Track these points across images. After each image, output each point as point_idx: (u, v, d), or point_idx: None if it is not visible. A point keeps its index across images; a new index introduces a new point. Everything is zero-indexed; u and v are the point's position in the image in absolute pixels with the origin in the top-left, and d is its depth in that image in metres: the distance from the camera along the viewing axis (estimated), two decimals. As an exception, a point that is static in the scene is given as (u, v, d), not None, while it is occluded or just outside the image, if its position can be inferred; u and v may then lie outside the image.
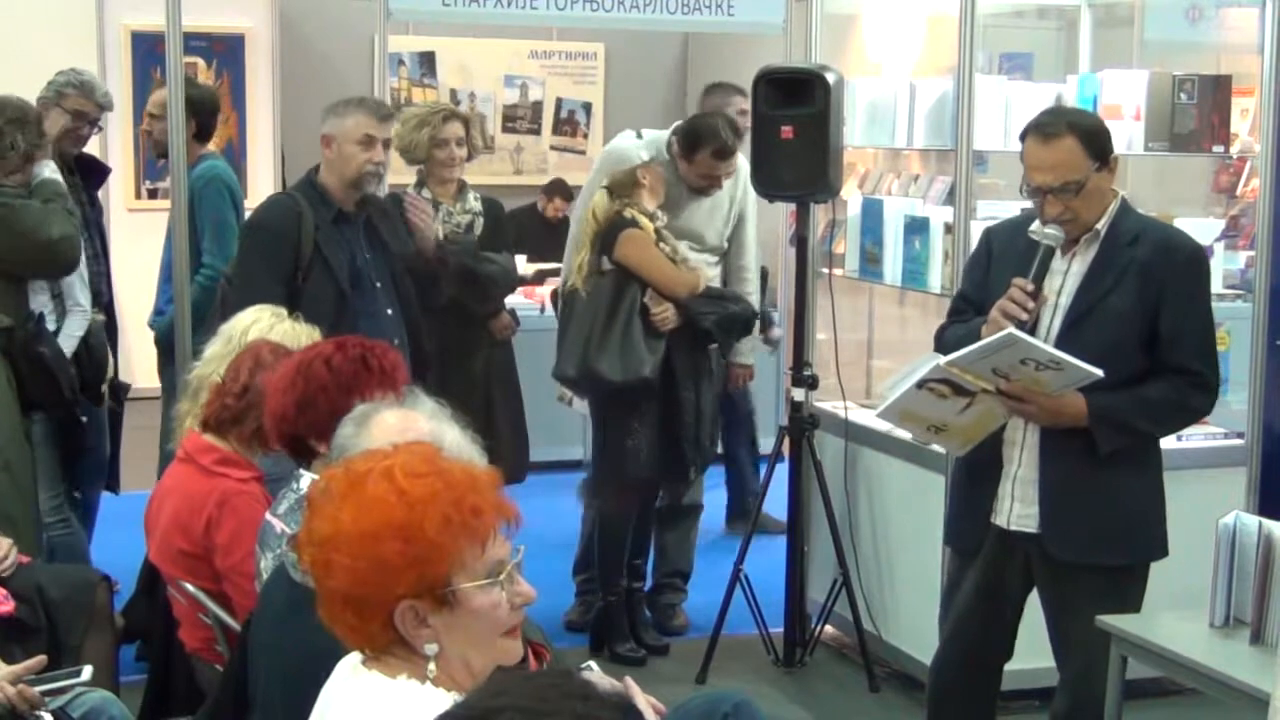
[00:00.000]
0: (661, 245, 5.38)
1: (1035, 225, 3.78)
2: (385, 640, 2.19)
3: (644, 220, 5.35)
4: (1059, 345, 3.68)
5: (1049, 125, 3.70)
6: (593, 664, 2.97)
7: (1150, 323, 3.72)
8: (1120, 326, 3.71)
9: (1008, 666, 4.18)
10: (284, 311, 4.16)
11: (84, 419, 5.13)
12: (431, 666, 2.18)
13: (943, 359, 3.70)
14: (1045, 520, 3.79)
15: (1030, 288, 3.67)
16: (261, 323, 4.07)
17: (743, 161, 5.71)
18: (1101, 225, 3.75)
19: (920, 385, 3.73)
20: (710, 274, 5.70)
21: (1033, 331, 3.69)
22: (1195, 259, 3.83)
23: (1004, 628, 3.99)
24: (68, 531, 5.13)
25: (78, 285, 5.11)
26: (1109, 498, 3.80)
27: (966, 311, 3.95)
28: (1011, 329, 3.61)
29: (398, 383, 3.23)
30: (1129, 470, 3.83)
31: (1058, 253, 3.77)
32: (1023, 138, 3.77)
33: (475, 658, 2.21)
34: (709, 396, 5.51)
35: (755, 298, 5.92)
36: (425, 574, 2.14)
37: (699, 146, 5.51)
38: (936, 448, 4.03)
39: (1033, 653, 4.34)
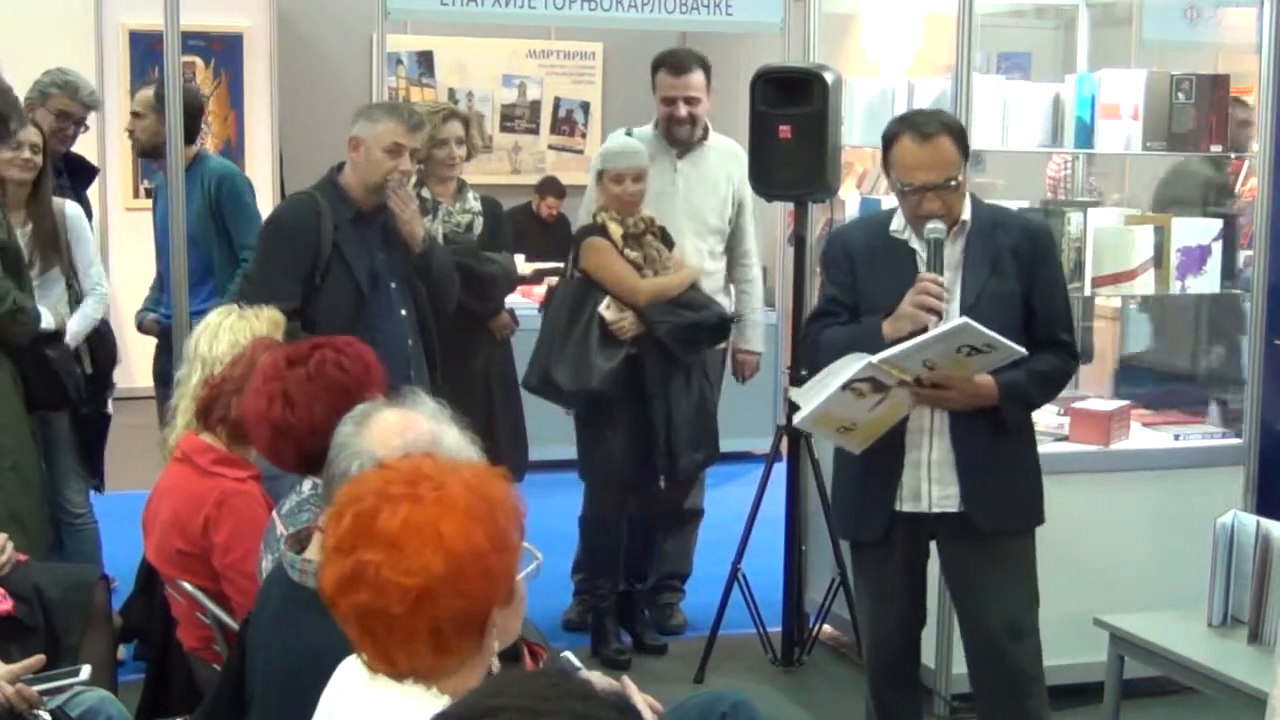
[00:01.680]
0: (628, 252, 5.34)
1: (896, 224, 4.00)
2: (468, 655, 2.14)
3: (612, 226, 5.32)
4: None
5: (925, 125, 3.90)
6: (569, 654, 2.96)
7: (1026, 302, 3.97)
8: (1007, 308, 3.93)
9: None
10: (232, 308, 4.17)
11: (109, 413, 5.17)
12: (495, 662, 2.18)
13: (874, 357, 3.79)
14: (967, 497, 3.96)
15: (942, 281, 3.85)
16: (209, 329, 4.08)
17: (739, 149, 5.75)
18: (966, 216, 3.97)
19: (846, 386, 3.82)
20: (711, 266, 5.72)
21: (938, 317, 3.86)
22: (1051, 239, 4.18)
23: (923, 601, 4.20)
24: (87, 527, 5.16)
25: (97, 265, 5.14)
26: (1015, 468, 4.04)
27: (839, 314, 4.07)
28: (966, 319, 3.76)
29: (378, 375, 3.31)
30: (1022, 441, 4.08)
31: (920, 246, 3.95)
32: (891, 139, 3.93)
33: (508, 640, 2.23)
34: (684, 404, 5.41)
35: (758, 285, 5.89)
36: (509, 577, 2.15)
37: (656, 71, 5.65)
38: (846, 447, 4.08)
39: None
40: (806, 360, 4.22)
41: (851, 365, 3.82)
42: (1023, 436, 4.08)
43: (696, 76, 5.63)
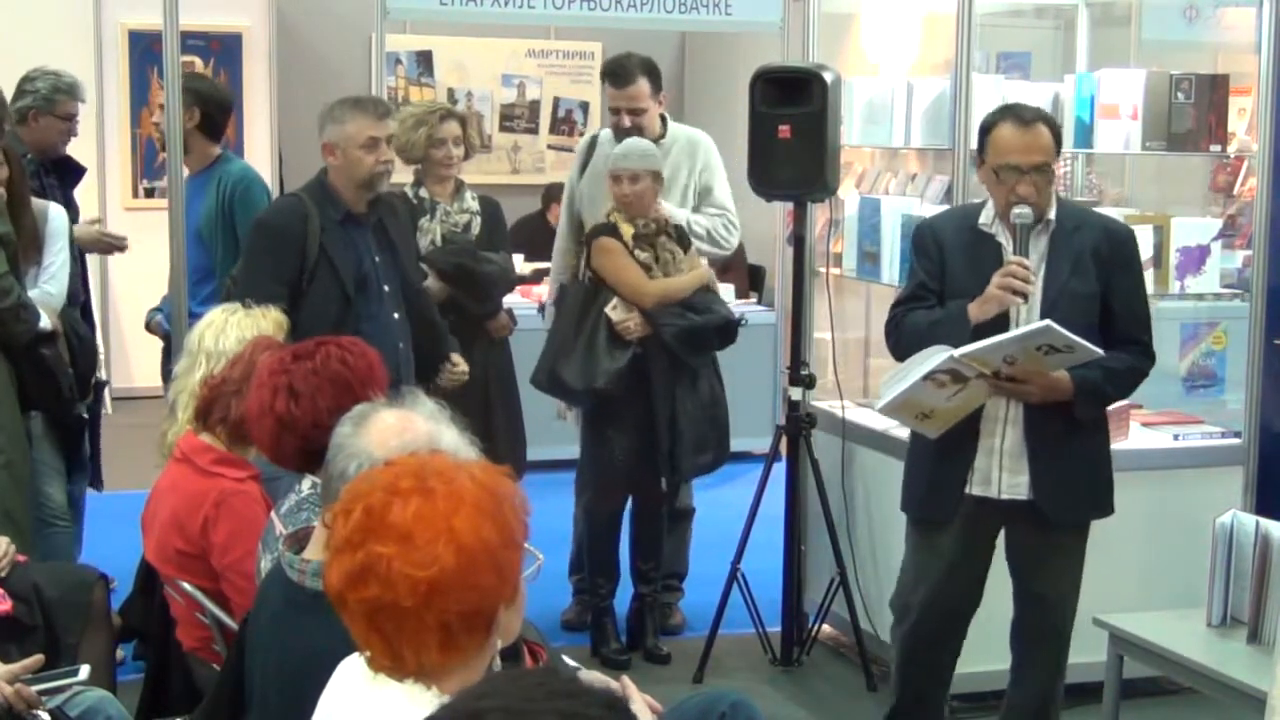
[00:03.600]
0: (638, 253, 5.31)
1: (984, 218, 4.13)
2: (474, 653, 2.13)
3: (624, 226, 5.32)
4: None
5: (1025, 112, 4.07)
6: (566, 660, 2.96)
7: (1103, 301, 4.10)
8: (1086, 308, 4.06)
9: (962, 670, 4.46)
10: (236, 305, 4.17)
11: (85, 416, 5.13)
12: (498, 661, 2.18)
13: (956, 351, 3.93)
14: (1037, 486, 4.08)
15: (1028, 263, 3.99)
16: (215, 324, 4.08)
17: (703, 138, 5.77)
18: (1052, 216, 4.11)
19: (927, 376, 3.95)
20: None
21: (1013, 316, 4.04)
22: (1133, 242, 4.26)
23: (979, 584, 4.27)
24: (66, 528, 5.14)
25: (60, 275, 5.05)
26: (1085, 461, 4.17)
27: (927, 298, 4.21)
28: (1049, 321, 3.89)
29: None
30: (1093, 435, 4.20)
31: (1010, 246, 4.08)
32: (990, 127, 4.09)
33: (508, 640, 2.23)
34: (689, 406, 5.40)
35: (736, 238, 5.81)
36: (517, 573, 2.15)
37: (603, 80, 5.74)
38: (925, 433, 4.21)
39: (988, 656, 4.38)
40: (890, 342, 4.31)
41: (934, 357, 3.97)
42: (1095, 430, 4.20)
43: (640, 86, 5.63)
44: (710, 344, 5.46)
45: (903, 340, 4.20)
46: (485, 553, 2.08)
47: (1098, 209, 5.34)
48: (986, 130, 4.10)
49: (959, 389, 4.00)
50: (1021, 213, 4.01)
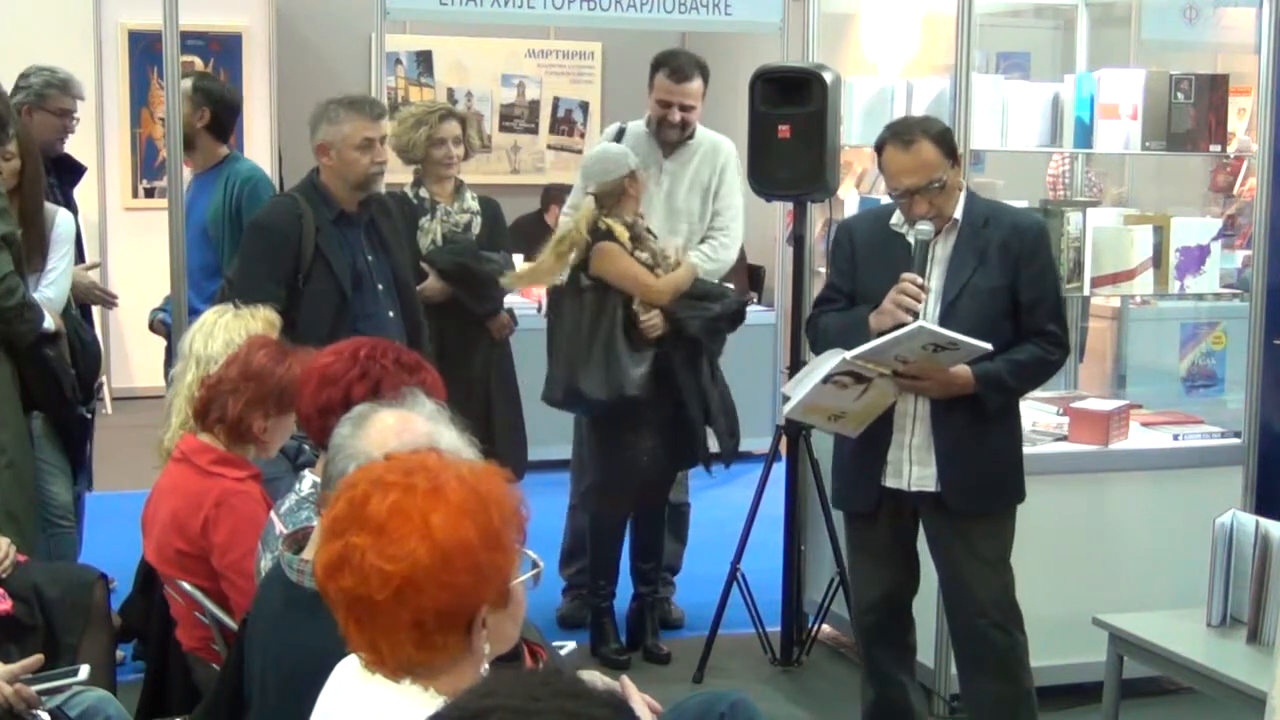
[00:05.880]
0: (638, 253, 5.32)
1: (896, 219, 4.20)
2: (454, 653, 2.11)
3: (618, 229, 5.29)
4: (939, 326, 4.06)
5: (905, 134, 4.10)
6: (572, 645, 2.96)
7: (1011, 295, 4.15)
8: (989, 302, 4.12)
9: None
10: (227, 306, 4.18)
11: (90, 415, 5.13)
12: (486, 667, 2.17)
13: (848, 354, 4.04)
14: (942, 478, 4.17)
15: (921, 281, 4.07)
16: (205, 327, 4.08)
17: (725, 143, 5.75)
18: (958, 214, 4.16)
19: (826, 380, 4.06)
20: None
21: (915, 317, 4.08)
22: (1042, 234, 4.28)
23: (913, 570, 4.38)
24: (70, 528, 5.14)
25: (62, 280, 5.04)
26: (991, 453, 4.23)
27: (838, 300, 4.31)
28: (922, 322, 3.99)
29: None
30: (1001, 427, 4.26)
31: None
32: (879, 149, 4.16)
33: (504, 646, 2.21)
34: (715, 394, 5.44)
35: (733, 250, 5.79)
36: (504, 576, 2.13)
37: (656, 70, 5.62)
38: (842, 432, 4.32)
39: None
40: (809, 342, 4.45)
41: (830, 360, 4.07)
42: (1002, 422, 4.24)
43: (696, 85, 5.59)
44: (726, 330, 5.50)
45: (818, 342, 4.34)
46: (463, 552, 2.06)
47: (1095, 208, 5.35)
48: (878, 152, 4.15)
49: (864, 389, 4.11)
50: (922, 229, 4.08)
